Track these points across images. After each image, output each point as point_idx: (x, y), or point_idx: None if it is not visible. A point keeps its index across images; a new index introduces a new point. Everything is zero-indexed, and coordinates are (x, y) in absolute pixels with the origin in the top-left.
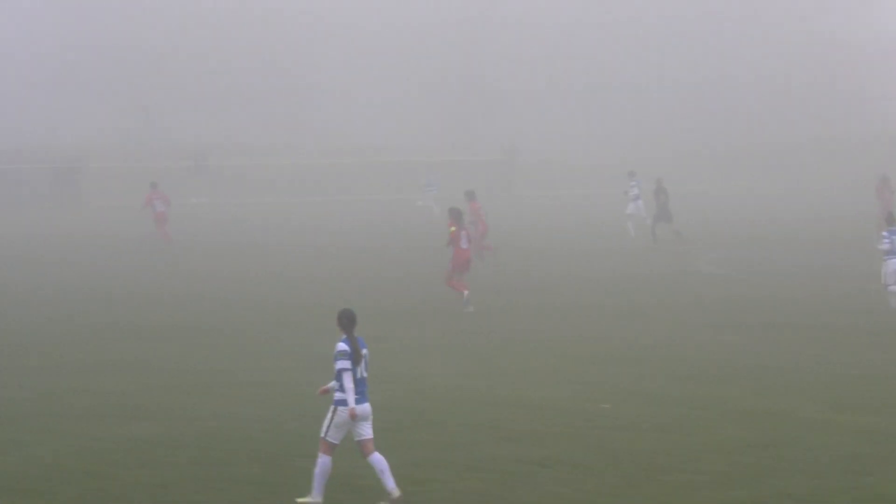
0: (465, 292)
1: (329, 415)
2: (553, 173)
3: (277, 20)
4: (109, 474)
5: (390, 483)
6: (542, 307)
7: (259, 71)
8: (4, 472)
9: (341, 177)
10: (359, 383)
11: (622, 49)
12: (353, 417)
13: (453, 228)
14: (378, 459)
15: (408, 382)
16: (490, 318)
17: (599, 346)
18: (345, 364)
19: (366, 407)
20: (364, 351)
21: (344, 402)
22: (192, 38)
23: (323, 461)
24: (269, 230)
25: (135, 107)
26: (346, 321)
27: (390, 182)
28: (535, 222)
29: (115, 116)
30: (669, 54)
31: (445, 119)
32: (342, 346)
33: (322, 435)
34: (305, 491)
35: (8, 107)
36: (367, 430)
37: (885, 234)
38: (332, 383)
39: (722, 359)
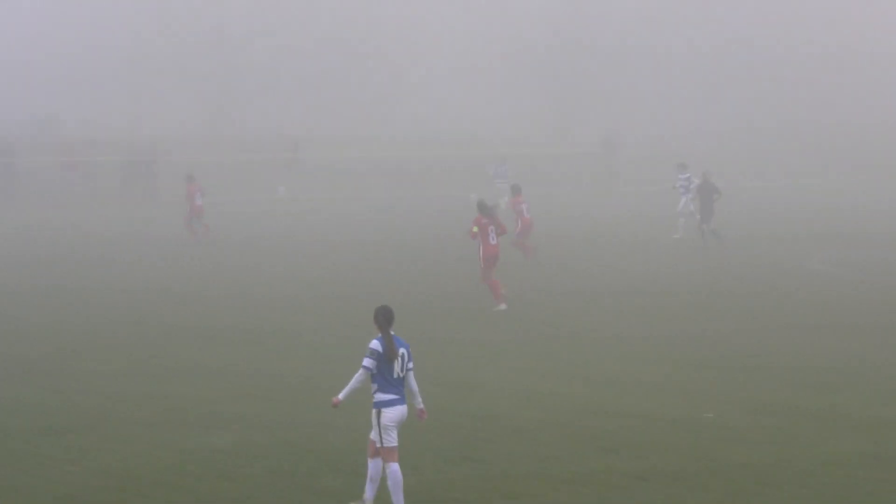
0: (501, 301)
1: (374, 420)
2: (655, 166)
3: (363, 5)
4: (183, 486)
5: (370, 494)
6: (639, 309)
7: (344, 59)
8: (73, 483)
9: (431, 169)
10: (396, 383)
11: (730, 37)
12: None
13: (475, 229)
14: (394, 471)
15: (503, 389)
16: (582, 320)
17: (702, 350)
18: (367, 361)
19: (405, 409)
20: (402, 350)
21: (384, 403)
22: (273, 25)
23: (391, 469)
24: (356, 226)
25: (213, 97)
26: (382, 319)
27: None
28: (632, 217)
29: (193, 107)
30: (782, 42)
31: (543, 109)
32: (375, 343)
33: (378, 444)
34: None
35: (82, 96)
36: (395, 437)
37: None
38: (372, 385)
39: (838, 364)
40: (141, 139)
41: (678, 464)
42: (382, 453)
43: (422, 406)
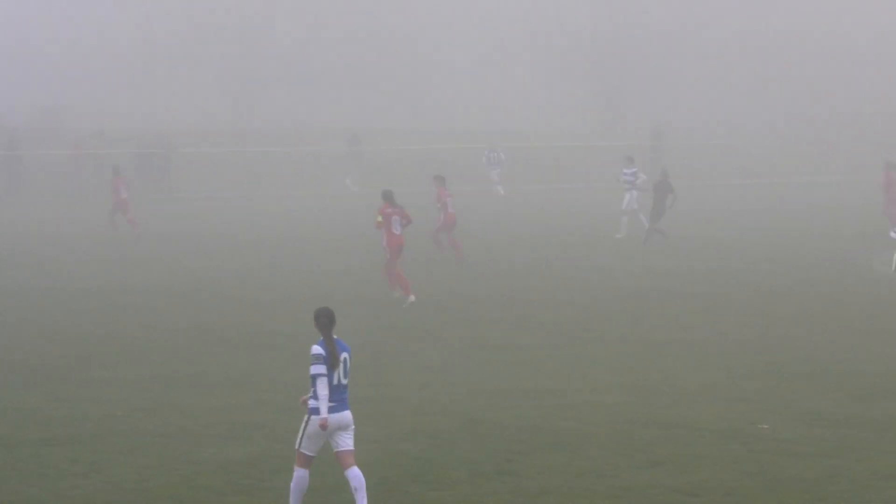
0: (398, 293)
1: (302, 424)
2: (705, 159)
3: None
4: (197, 499)
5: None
6: (682, 311)
7: (378, 50)
8: (84, 496)
9: (472, 164)
10: (336, 390)
11: (781, 27)
12: (324, 428)
13: (380, 219)
14: (356, 475)
15: (540, 398)
16: (620, 323)
17: (758, 357)
18: (319, 369)
19: (345, 415)
20: (344, 355)
21: (317, 411)
22: (294, 13)
23: (299, 475)
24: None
25: (229, 88)
26: (326, 321)
27: (527, 170)
28: (682, 213)
29: (208, 99)
30: (833, 31)
31: (588, 101)
32: (316, 349)
33: (296, 447)
34: None
35: (92, 86)
36: (346, 441)
37: None
38: (311, 389)
39: None
40: (155, 131)
41: (728, 478)
42: (297, 455)
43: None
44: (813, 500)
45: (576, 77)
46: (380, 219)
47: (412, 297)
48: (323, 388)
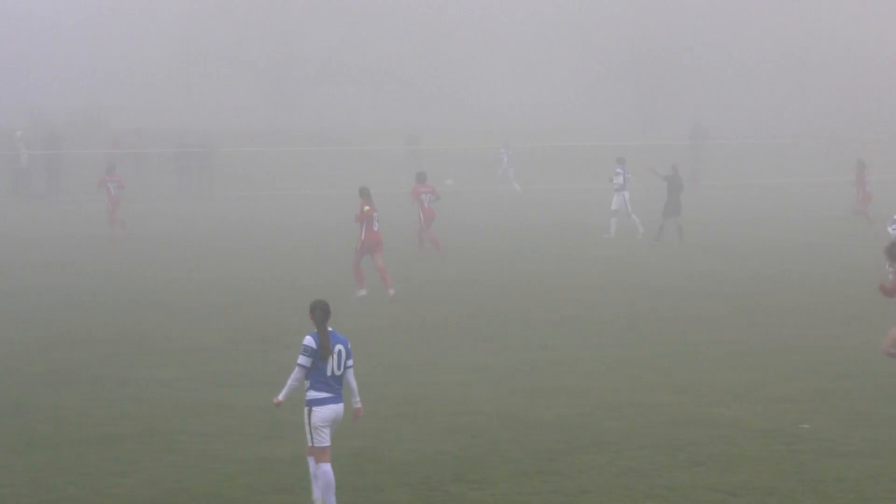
0: (364, 291)
1: (305, 419)
2: (747, 160)
3: None
4: (238, 499)
5: (329, 499)
6: (725, 311)
7: (412, 49)
8: (122, 495)
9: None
10: (330, 381)
11: (824, 22)
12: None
13: (367, 207)
14: (325, 471)
15: (582, 398)
16: (662, 323)
17: (803, 356)
18: (302, 360)
19: (339, 408)
20: (338, 347)
21: (315, 402)
22: (333, 11)
23: (324, 470)
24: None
25: (268, 88)
26: (320, 313)
27: (564, 169)
28: (724, 215)
29: (247, 98)
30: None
31: (626, 99)
32: (308, 340)
33: (309, 444)
34: None
35: (135, 86)
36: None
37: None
38: (305, 383)
39: None
40: (195, 130)
41: (770, 478)
42: (313, 453)
43: (359, 405)
44: (855, 500)
45: (614, 76)
46: (367, 208)
47: (363, 292)
48: (294, 379)
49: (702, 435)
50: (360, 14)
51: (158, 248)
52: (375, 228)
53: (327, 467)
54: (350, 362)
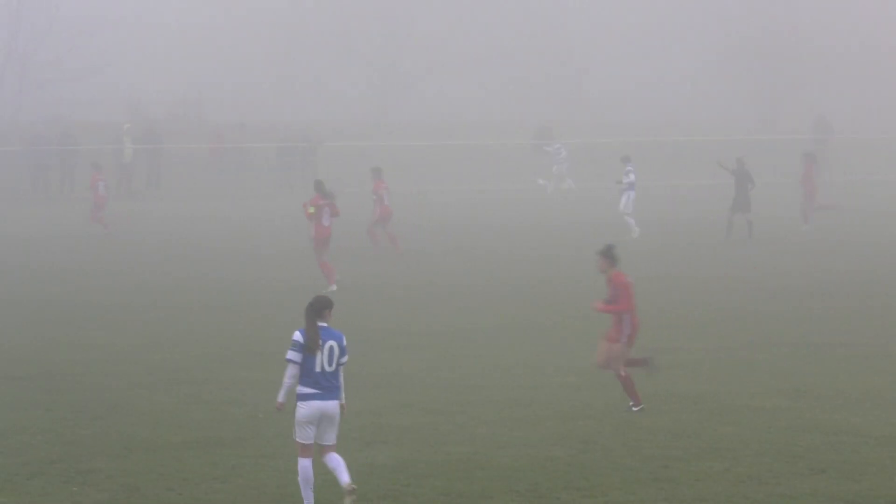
0: (332, 282)
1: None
2: (865, 154)
3: None
4: None
5: (344, 477)
6: (855, 312)
7: (517, 39)
8: (222, 501)
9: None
10: (320, 377)
11: None
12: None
13: (312, 210)
14: (332, 457)
15: (697, 403)
16: (791, 326)
17: None
18: (291, 355)
19: (330, 405)
20: (330, 343)
21: (300, 398)
22: (444, 5)
23: (302, 465)
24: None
25: (373, 81)
26: (311, 309)
27: (678, 164)
28: (842, 212)
29: (353, 90)
30: None
31: (745, 92)
32: (296, 335)
33: (295, 438)
34: None
35: (237, 79)
36: (330, 437)
37: None
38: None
39: None
40: (298, 124)
41: (894, 486)
42: (298, 449)
43: (343, 401)
44: None
45: (731, 68)
46: (312, 210)
47: (333, 287)
48: (288, 374)
49: (822, 441)
50: (471, 2)
51: (259, 246)
52: (326, 223)
53: (307, 462)
54: (344, 359)
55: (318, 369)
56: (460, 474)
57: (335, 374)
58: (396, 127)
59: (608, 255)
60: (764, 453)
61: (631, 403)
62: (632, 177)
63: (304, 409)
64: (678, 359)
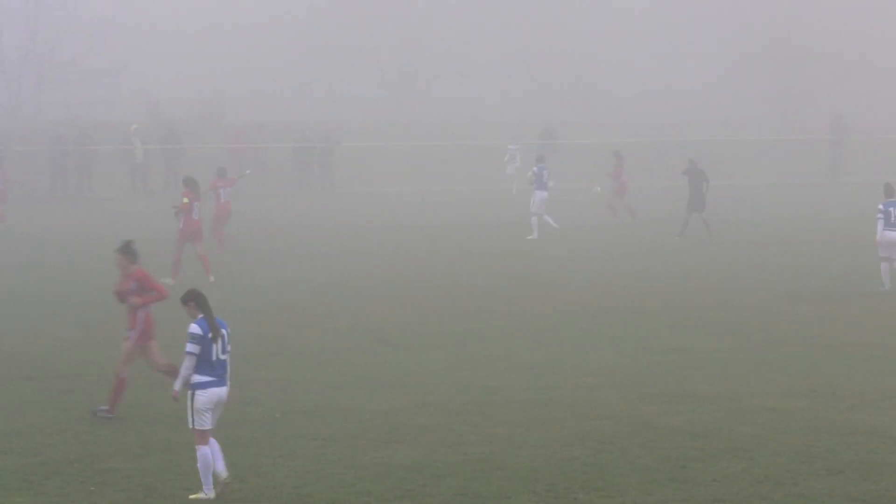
0: (171, 280)
1: (189, 402)
2: (883, 155)
3: None
4: None
5: (220, 465)
6: (871, 313)
7: (546, 41)
8: (242, 501)
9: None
10: (216, 365)
11: None
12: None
13: (186, 200)
14: (203, 454)
15: (714, 403)
16: (807, 326)
17: None
18: (192, 348)
19: (221, 391)
20: (223, 331)
21: (199, 385)
22: (463, 5)
23: (201, 452)
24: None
25: (390, 81)
26: (202, 300)
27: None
28: (849, 212)
29: (369, 91)
30: None
31: (762, 92)
32: (195, 327)
33: (190, 426)
34: None
35: (254, 79)
36: (213, 420)
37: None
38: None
39: None
40: (316, 124)
41: None
42: (195, 434)
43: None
44: None
45: (749, 68)
46: (186, 200)
47: (171, 281)
48: (186, 365)
49: (839, 442)
50: (487, 4)
51: (275, 245)
52: (195, 217)
53: (206, 450)
54: (229, 347)
55: (214, 358)
56: (478, 474)
57: (227, 361)
58: (411, 127)
59: (126, 251)
60: (781, 453)
61: (104, 408)
62: (543, 176)
63: (204, 396)
64: (691, 357)
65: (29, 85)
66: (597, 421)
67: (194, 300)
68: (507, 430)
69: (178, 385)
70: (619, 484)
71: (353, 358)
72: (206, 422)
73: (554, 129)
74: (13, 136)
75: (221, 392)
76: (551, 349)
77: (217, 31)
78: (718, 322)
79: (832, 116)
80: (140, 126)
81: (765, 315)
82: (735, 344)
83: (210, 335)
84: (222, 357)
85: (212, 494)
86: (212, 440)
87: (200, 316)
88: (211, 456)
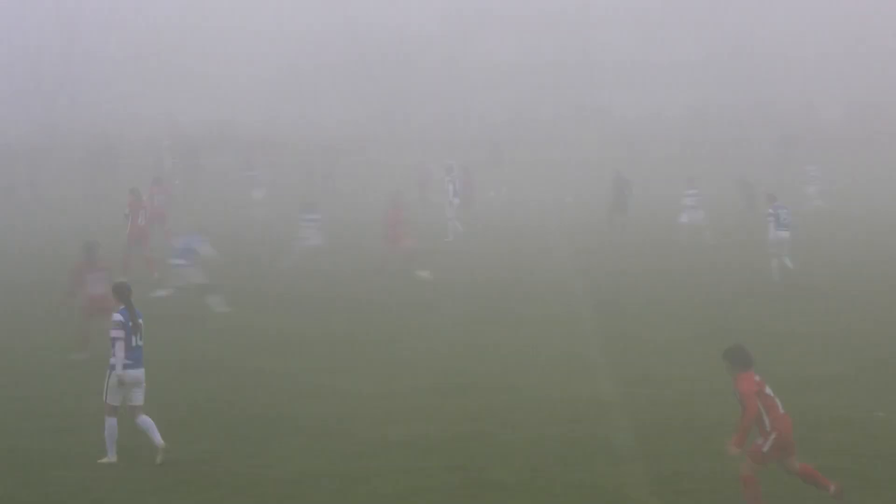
0: (156, 274)
1: (106, 379)
2: (847, 151)
3: None
4: (358, 477)
5: (157, 438)
6: (873, 308)
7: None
8: (258, 466)
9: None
10: (135, 351)
11: None
12: (122, 382)
13: (127, 210)
14: (143, 420)
15: (690, 386)
16: (807, 319)
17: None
18: (118, 333)
19: (138, 373)
20: (140, 321)
21: (115, 368)
22: (452, 20)
23: (109, 423)
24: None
25: (380, 100)
26: (126, 292)
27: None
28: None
29: (367, 104)
30: None
31: (721, 90)
32: (118, 316)
33: (104, 399)
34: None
35: (261, 100)
36: (138, 397)
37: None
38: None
39: None
40: (319, 140)
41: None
42: (105, 407)
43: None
44: None
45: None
46: (127, 210)
47: (124, 279)
48: (119, 350)
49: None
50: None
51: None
52: (140, 223)
53: (114, 421)
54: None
55: (133, 344)
56: (461, 450)
57: (142, 347)
58: (411, 142)
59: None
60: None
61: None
62: (451, 187)
63: (125, 378)
64: (672, 347)
65: (64, 103)
66: (572, 405)
67: (117, 293)
68: (490, 412)
69: (118, 368)
70: (586, 459)
71: (354, 348)
72: (118, 398)
73: (499, 144)
74: (51, 150)
75: (138, 374)
76: (531, 338)
77: (232, 59)
78: (719, 317)
79: (785, 115)
80: (171, 142)
81: (770, 308)
82: (721, 335)
83: (130, 324)
84: (139, 343)
85: (114, 459)
86: (145, 416)
87: (122, 307)
88: (116, 427)
